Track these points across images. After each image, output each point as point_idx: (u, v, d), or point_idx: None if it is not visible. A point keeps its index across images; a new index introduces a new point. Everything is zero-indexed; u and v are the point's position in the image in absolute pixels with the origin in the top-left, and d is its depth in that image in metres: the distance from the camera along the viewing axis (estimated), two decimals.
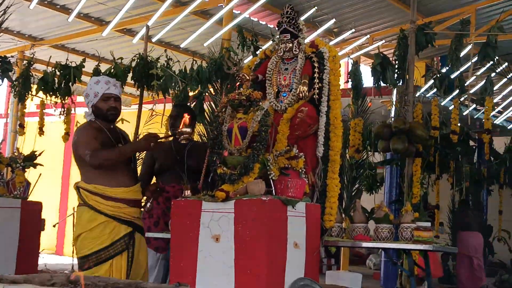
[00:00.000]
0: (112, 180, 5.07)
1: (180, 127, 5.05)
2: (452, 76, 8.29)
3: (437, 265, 12.11)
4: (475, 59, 8.91)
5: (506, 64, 10.04)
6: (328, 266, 14.08)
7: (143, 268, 5.26)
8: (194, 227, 4.75)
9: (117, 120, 5.47)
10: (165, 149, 6.30)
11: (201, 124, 8.21)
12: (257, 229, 4.55)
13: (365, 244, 5.47)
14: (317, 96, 5.56)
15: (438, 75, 8.18)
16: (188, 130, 5.06)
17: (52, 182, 17.14)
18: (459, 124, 8.74)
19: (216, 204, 4.70)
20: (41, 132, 8.18)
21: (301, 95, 5.45)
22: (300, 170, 5.00)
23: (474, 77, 11.60)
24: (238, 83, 6.00)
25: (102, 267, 4.95)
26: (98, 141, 5.07)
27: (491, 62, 8.06)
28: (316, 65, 5.61)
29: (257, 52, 7.90)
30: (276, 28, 5.92)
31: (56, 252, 17.10)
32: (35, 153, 6.74)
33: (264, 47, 10.01)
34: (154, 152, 6.32)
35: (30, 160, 6.68)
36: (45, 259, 13.03)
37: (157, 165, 6.25)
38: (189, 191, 5.03)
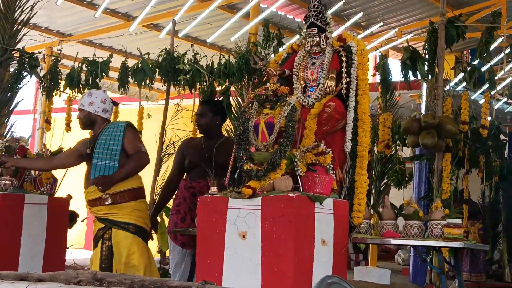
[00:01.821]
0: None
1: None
2: (483, 69, 8.15)
3: None
4: (507, 51, 8.78)
5: None
6: (356, 262, 13.98)
7: (123, 257, 5.44)
8: (221, 224, 4.71)
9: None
10: (194, 146, 6.27)
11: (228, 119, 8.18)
12: (284, 226, 4.50)
13: (394, 241, 5.39)
14: (345, 91, 5.48)
15: (468, 69, 8.05)
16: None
17: (80, 177, 17.22)
18: (489, 118, 8.61)
19: (243, 201, 4.65)
20: (68, 128, 8.20)
21: (328, 90, 5.38)
22: (328, 166, 4.93)
23: (505, 69, 11.44)
24: (265, 78, 5.94)
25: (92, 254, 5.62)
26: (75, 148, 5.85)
27: None
28: (344, 59, 5.52)
29: (282, 48, 7.83)
30: (303, 22, 5.85)
31: (84, 247, 17.19)
32: (62, 150, 6.74)
33: (290, 41, 9.97)
34: (185, 149, 6.31)
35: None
36: (74, 254, 13.12)
37: (187, 161, 6.24)
38: (215, 188, 4.99)
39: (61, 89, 8.33)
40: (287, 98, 5.00)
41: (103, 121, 5.68)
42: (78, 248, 16.66)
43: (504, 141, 12.58)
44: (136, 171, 5.54)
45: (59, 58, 8.38)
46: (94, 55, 8.11)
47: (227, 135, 6.88)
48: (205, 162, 5.99)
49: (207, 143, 6.20)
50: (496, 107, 10.61)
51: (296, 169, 4.79)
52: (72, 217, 7.24)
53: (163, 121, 7.95)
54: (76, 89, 8.10)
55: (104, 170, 5.43)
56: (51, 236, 6.31)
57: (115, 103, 5.91)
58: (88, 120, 5.67)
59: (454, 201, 7.48)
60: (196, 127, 6.61)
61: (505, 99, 12.22)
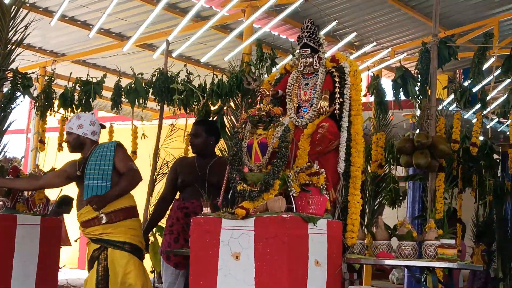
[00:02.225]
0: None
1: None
2: (475, 90, 8.18)
3: None
4: (498, 71, 8.80)
5: None
6: (351, 281, 13.93)
7: (119, 277, 5.44)
8: (214, 245, 4.69)
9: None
10: (188, 165, 6.27)
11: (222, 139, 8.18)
12: (278, 247, 4.49)
13: (388, 262, 5.38)
14: (338, 112, 5.50)
15: (459, 89, 8.08)
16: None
17: (74, 195, 17.17)
18: (481, 138, 8.62)
19: (236, 222, 4.64)
20: (60, 148, 8.18)
21: (321, 110, 5.40)
22: (321, 187, 4.93)
23: (497, 89, 11.48)
24: (258, 98, 5.95)
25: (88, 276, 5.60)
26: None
27: None
28: (337, 79, 5.55)
29: (275, 68, 7.84)
30: (297, 42, 5.87)
31: (78, 267, 17.11)
32: (55, 170, 6.72)
33: (284, 62, 9.99)
34: (178, 167, 6.30)
35: None
36: (67, 274, 13.05)
37: (180, 180, 6.23)
38: (208, 208, 4.98)
39: (55, 109, 8.31)
40: (281, 119, 5.01)
41: (92, 143, 5.70)
42: (72, 268, 16.57)
43: (497, 160, 12.60)
44: (129, 189, 5.53)
45: (52, 78, 8.37)
46: (88, 75, 8.11)
47: (220, 155, 6.87)
48: (198, 182, 5.98)
49: (200, 162, 6.19)
50: (488, 126, 10.61)
51: (289, 189, 4.79)
52: (68, 202, 7.22)
53: (157, 140, 7.94)
54: (69, 109, 8.10)
55: (97, 190, 5.43)
56: (44, 256, 6.27)
57: (103, 126, 5.92)
58: (77, 143, 5.68)
59: (448, 219, 7.47)
60: (190, 147, 6.60)
61: (498, 118, 12.23)
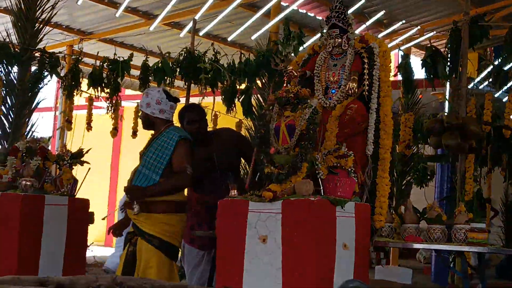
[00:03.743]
0: None
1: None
2: (506, 68, 8.04)
3: None
4: None
5: None
6: (377, 261, 13.88)
7: (141, 269, 5.27)
8: (241, 228, 4.67)
9: None
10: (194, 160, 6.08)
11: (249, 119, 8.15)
12: (305, 230, 4.46)
13: (416, 246, 5.33)
14: (366, 93, 5.43)
15: (492, 68, 7.94)
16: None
17: (102, 175, 17.31)
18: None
19: (263, 204, 4.61)
20: (89, 127, 8.22)
21: (350, 91, 5.34)
22: (349, 169, 4.87)
23: None
24: (285, 78, 5.89)
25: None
26: None
27: None
28: (366, 60, 5.48)
29: (302, 47, 7.77)
30: (325, 21, 5.79)
31: (105, 244, 17.28)
32: (82, 150, 6.74)
33: (311, 40, 9.91)
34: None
35: (77, 157, 6.68)
36: (95, 251, 13.17)
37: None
38: (235, 191, 4.95)
39: (82, 88, 8.34)
40: (308, 100, 4.95)
41: (163, 122, 5.48)
42: (99, 245, 16.74)
43: None
44: (171, 192, 5.31)
45: (79, 57, 8.39)
46: (115, 54, 8.11)
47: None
48: (212, 171, 5.92)
49: (199, 150, 5.86)
50: None
51: (317, 172, 4.74)
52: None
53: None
54: (99, 88, 8.11)
55: (145, 180, 5.30)
56: (72, 237, 6.29)
57: (176, 100, 5.60)
58: (147, 121, 5.51)
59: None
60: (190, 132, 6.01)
61: None
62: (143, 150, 5.49)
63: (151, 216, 5.26)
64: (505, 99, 8.78)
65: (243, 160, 6.60)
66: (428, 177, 11.13)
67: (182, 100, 8.49)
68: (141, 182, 5.31)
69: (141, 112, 5.56)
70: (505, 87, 8.70)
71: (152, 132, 5.59)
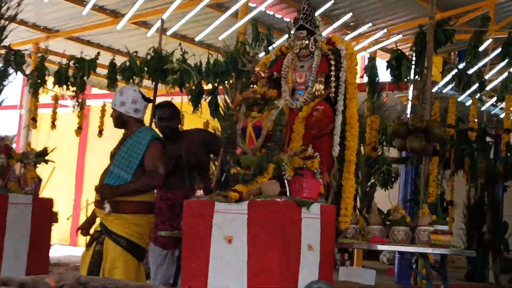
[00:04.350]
0: None
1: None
2: (470, 72, 8.16)
3: None
4: (494, 54, 8.78)
5: None
6: (342, 262, 14.00)
7: (106, 269, 5.21)
8: (206, 228, 4.66)
9: None
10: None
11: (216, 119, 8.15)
12: (271, 231, 4.47)
13: (381, 247, 5.38)
14: (333, 95, 5.47)
15: (456, 71, 8.07)
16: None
17: (67, 174, 17.16)
18: (476, 121, 8.62)
19: (229, 205, 4.61)
20: (53, 126, 8.16)
21: (317, 93, 5.37)
22: (315, 170, 4.90)
23: (492, 72, 11.46)
24: (253, 78, 5.91)
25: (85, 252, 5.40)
26: None
27: None
28: (332, 62, 5.51)
29: (271, 47, 7.81)
30: (293, 23, 5.82)
31: (70, 243, 17.15)
32: (47, 149, 6.69)
33: (279, 41, 9.95)
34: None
35: (42, 156, 6.63)
36: (59, 251, 13.08)
37: None
38: (201, 191, 4.94)
39: (48, 86, 8.29)
40: (275, 101, 4.97)
41: (136, 121, 5.44)
42: (64, 244, 16.60)
43: (490, 143, 12.63)
44: (143, 191, 5.29)
45: (45, 55, 8.33)
46: (82, 52, 8.07)
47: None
48: (178, 168, 5.91)
49: (172, 146, 5.90)
50: (482, 109, 10.61)
51: (283, 173, 4.75)
52: None
53: (151, 119, 7.91)
54: (64, 86, 8.07)
55: (117, 179, 5.25)
56: (35, 236, 6.25)
57: (149, 100, 5.61)
58: (119, 120, 5.44)
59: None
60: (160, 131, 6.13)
61: (492, 101, 12.23)
62: (114, 149, 5.44)
63: (121, 216, 5.21)
64: (468, 103, 8.92)
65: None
66: (393, 179, 11.24)
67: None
68: (113, 182, 5.26)
69: (113, 111, 5.48)
70: (469, 91, 8.83)
71: (122, 131, 5.55)
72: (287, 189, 4.75)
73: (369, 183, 11.08)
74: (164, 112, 6.12)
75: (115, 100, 5.46)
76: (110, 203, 5.18)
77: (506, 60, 7.61)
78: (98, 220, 5.42)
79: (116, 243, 5.19)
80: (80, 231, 5.52)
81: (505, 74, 8.64)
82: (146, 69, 7.71)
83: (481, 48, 8.26)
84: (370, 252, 16.80)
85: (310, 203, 4.71)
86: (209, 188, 5.08)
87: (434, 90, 8.39)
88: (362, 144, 8.76)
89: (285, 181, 4.76)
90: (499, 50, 7.41)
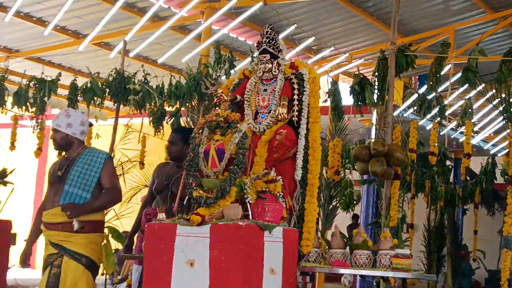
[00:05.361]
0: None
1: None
2: (430, 97, 8.26)
3: None
4: (454, 78, 8.90)
5: (484, 85, 10.04)
6: (304, 285, 13.97)
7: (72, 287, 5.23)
8: (168, 251, 4.63)
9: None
10: (163, 172, 6.10)
11: None
12: (233, 254, 4.45)
13: (343, 271, 5.38)
14: (296, 119, 5.47)
15: (417, 96, 8.16)
16: None
17: (26, 196, 16.92)
18: (436, 145, 8.70)
19: (191, 228, 4.59)
20: (12, 147, 8.03)
21: (280, 117, 5.37)
22: (278, 194, 4.91)
23: (452, 96, 11.62)
24: (215, 101, 5.89)
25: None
26: None
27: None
28: (295, 86, 5.52)
29: (233, 70, 7.81)
30: (256, 46, 5.83)
31: (30, 266, 16.83)
32: (6, 171, 6.59)
33: (241, 64, 9.98)
34: (155, 173, 6.18)
35: (1, 177, 6.53)
36: (17, 273, 12.82)
37: (154, 187, 6.11)
38: (163, 214, 4.91)
39: (7, 106, 8.17)
40: (238, 125, 4.97)
41: (80, 143, 5.47)
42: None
43: (450, 167, 12.78)
44: (107, 207, 5.45)
45: (5, 75, 8.22)
46: (43, 72, 7.97)
47: None
48: (166, 190, 5.90)
49: (172, 171, 6.01)
50: (442, 133, 10.74)
51: (246, 196, 4.75)
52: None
53: (112, 141, 7.84)
54: (24, 107, 7.96)
55: (75, 198, 5.24)
56: None
57: (91, 124, 5.72)
58: (64, 142, 5.42)
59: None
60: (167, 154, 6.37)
61: (452, 125, 12.40)
62: (61, 172, 5.37)
63: (82, 236, 5.24)
64: (429, 127, 9.01)
65: None
66: (354, 202, 11.29)
67: (111, 121, 8.42)
68: (74, 201, 5.25)
69: (56, 132, 5.44)
70: (429, 115, 8.93)
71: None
72: (250, 212, 4.74)
73: (330, 206, 11.12)
74: (169, 137, 6.16)
75: (59, 122, 5.44)
76: (78, 223, 5.16)
77: (466, 85, 7.71)
78: (45, 245, 5.38)
79: (78, 262, 5.22)
80: (20, 265, 5.52)
81: (465, 99, 8.79)
82: (107, 90, 7.65)
83: (442, 73, 8.37)
84: (332, 274, 16.84)
85: (272, 227, 4.71)
86: (171, 212, 5.04)
87: (395, 114, 8.46)
88: (324, 166, 8.78)
89: (248, 205, 4.75)
90: (459, 75, 7.48)
